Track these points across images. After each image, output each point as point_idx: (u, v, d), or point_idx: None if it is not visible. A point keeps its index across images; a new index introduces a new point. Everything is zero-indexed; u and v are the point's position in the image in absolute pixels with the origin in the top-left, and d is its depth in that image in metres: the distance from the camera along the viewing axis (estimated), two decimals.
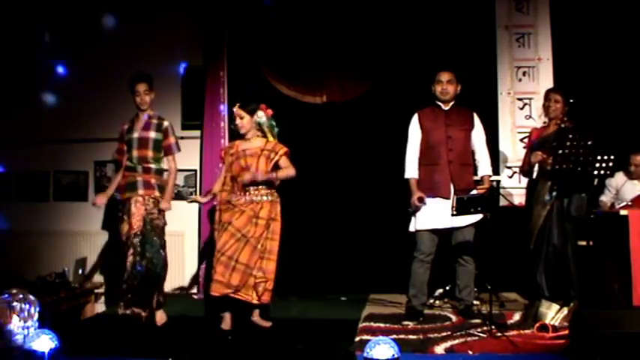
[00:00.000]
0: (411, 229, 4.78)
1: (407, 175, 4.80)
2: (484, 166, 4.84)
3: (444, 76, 4.76)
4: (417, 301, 4.76)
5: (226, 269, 4.52)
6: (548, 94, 5.05)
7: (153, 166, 4.89)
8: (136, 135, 4.89)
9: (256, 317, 4.74)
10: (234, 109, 4.77)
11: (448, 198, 4.60)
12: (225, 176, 4.81)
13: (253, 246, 4.59)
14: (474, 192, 4.68)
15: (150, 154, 4.89)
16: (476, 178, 4.88)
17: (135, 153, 4.87)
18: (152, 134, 4.92)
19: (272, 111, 4.83)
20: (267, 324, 4.72)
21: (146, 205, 4.80)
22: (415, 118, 4.84)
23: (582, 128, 4.68)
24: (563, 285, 4.72)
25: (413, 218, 4.76)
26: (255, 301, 4.65)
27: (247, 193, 4.66)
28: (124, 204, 4.86)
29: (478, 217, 4.61)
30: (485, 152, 4.86)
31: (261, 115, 4.76)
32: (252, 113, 4.73)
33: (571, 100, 4.89)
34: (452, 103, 4.81)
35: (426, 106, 4.88)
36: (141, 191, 4.81)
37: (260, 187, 4.67)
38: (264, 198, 4.68)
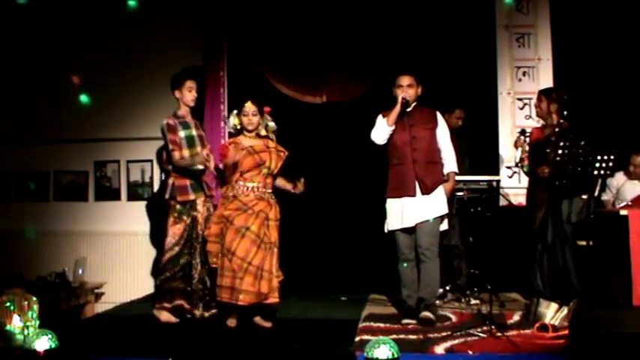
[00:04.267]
0: (385, 230, 4.80)
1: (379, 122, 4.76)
2: (449, 163, 4.83)
3: (405, 81, 4.73)
4: (412, 300, 4.74)
5: (255, 279, 4.53)
6: (539, 95, 5.07)
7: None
8: (195, 132, 4.81)
9: (257, 317, 4.74)
10: (248, 104, 4.67)
11: (414, 196, 4.63)
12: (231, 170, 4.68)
13: (272, 251, 4.64)
14: (441, 189, 4.67)
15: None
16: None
17: (202, 151, 4.75)
18: (202, 132, 4.93)
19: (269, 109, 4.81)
20: (268, 324, 4.72)
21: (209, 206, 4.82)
22: (380, 119, 4.84)
23: (579, 128, 4.67)
24: (559, 285, 4.72)
25: (386, 220, 4.78)
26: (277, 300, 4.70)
27: (255, 189, 4.65)
28: (185, 204, 4.73)
29: (444, 211, 4.63)
30: (450, 149, 4.84)
31: (268, 117, 4.78)
32: (261, 112, 4.74)
33: (565, 97, 4.88)
34: (414, 105, 4.80)
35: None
36: (207, 192, 4.83)
37: (266, 185, 4.69)
38: (272, 198, 4.70)
